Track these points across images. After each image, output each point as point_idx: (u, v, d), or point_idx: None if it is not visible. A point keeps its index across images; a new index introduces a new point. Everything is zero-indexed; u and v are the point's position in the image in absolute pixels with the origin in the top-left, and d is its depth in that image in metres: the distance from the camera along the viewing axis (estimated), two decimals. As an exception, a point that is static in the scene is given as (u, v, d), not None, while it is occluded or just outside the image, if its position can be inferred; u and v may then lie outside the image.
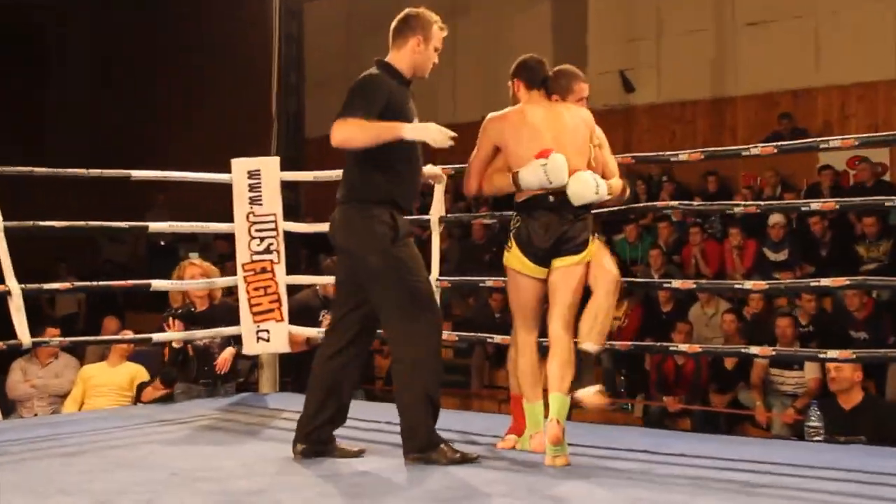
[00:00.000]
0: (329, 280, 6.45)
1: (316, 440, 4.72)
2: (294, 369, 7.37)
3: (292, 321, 6.71)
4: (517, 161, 4.67)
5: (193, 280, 6.87)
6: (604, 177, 4.81)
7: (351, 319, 4.70)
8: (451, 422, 5.25)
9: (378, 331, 4.81)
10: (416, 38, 4.60)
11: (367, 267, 4.52)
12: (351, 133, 4.38)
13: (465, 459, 4.52)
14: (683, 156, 5.46)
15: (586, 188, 4.63)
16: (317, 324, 6.86)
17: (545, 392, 4.68)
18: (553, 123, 4.72)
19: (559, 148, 4.60)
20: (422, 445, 4.51)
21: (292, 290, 6.90)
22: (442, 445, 4.53)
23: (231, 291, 7.18)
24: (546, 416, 4.60)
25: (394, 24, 4.67)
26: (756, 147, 5.49)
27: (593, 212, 4.84)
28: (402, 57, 4.63)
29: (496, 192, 4.98)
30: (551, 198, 4.62)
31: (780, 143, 5.43)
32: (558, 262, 4.66)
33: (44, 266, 13.07)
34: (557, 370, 4.59)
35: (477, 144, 4.83)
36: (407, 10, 4.68)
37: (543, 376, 4.71)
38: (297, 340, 6.88)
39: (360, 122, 4.36)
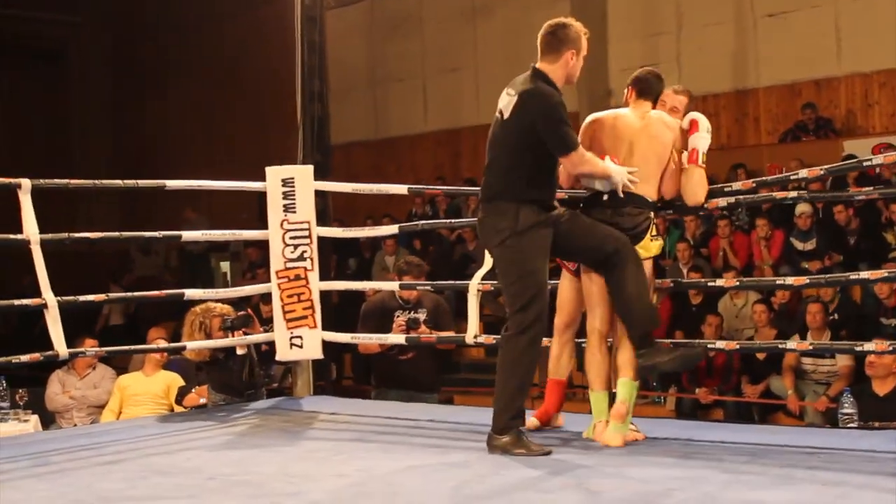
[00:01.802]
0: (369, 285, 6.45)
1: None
2: (362, 369, 7.36)
3: (370, 322, 6.84)
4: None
5: (217, 304, 6.82)
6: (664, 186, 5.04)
7: None
8: (476, 417, 5.29)
9: None
10: (571, 52, 4.73)
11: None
12: (588, 168, 4.78)
13: (544, 452, 4.59)
14: (804, 172, 5.22)
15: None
16: (390, 326, 6.85)
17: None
18: (636, 131, 4.93)
19: (630, 153, 4.88)
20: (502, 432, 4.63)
21: (325, 296, 6.88)
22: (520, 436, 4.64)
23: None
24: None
25: (544, 35, 4.78)
26: (804, 172, 5.25)
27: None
28: (556, 70, 4.73)
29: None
30: (605, 196, 4.87)
31: (829, 167, 5.21)
32: None
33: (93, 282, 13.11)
34: (627, 358, 4.83)
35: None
36: (557, 22, 4.79)
37: (610, 367, 4.91)
38: (368, 344, 6.92)
39: (591, 158, 4.76)
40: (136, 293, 10.68)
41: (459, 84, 15.08)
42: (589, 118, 5.09)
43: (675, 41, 13.96)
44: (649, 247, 4.90)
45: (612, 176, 4.80)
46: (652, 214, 4.92)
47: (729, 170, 12.13)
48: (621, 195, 4.84)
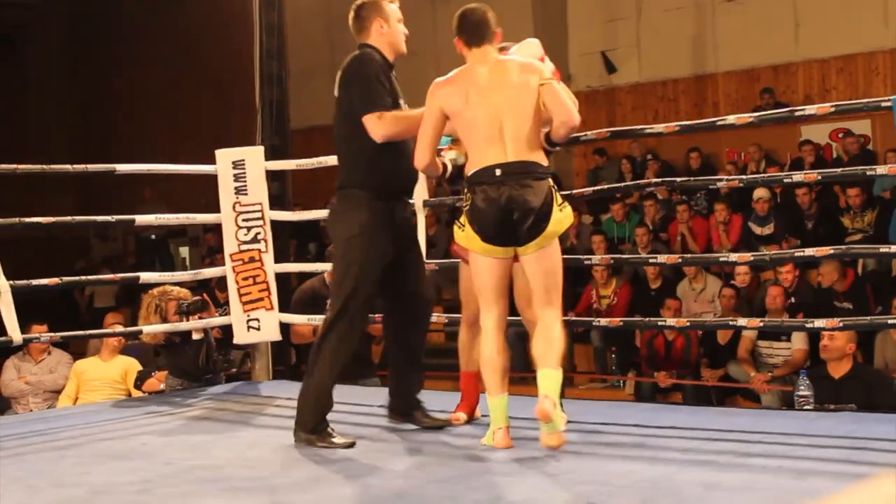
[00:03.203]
0: (325, 267, 6.40)
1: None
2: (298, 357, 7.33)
3: (300, 310, 6.69)
4: (465, 128, 4.34)
5: (175, 287, 6.77)
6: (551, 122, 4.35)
7: None
8: (446, 402, 5.27)
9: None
10: (378, 21, 4.64)
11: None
12: (394, 128, 4.52)
13: (347, 445, 4.54)
14: (660, 128, 5.41)
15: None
16: (324, 312, 6.81)
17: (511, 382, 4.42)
18: (499, 81, 4.30)
19: (502, 112, 4.22)
20: (308, 428, 4.61)
21: (283, 279, 6.86)
22: (327, 430, 4.60)
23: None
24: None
25: (350, 20, 4.72)
26: (732, 117, 5.47)
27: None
28: (375, 41, 4.66)
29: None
30: (497, 171, 4.21)
31: (757, 114, 5.41)
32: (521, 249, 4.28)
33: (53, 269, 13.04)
34: (543, 346, 4.23)
35: (425, 113, 4.44)
36: (356, 4, 4.71)
37: (508, 367, 4.38)
38: (303, 332, 6.86)
39: (396, 115, 4.52)
40: (92, 276, 10.59)
41: (419, 69, 15.03)
42: (436, 81, 4.48)
43: (635, 26, 14.02)
44: (562, 219, 4.26)
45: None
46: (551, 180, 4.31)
47: (683, 155, 12.23)
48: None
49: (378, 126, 4.50)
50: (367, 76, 4.55)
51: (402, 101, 4.69)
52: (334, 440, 4.55)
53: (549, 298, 4.29)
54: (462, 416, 5.04)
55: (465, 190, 4.27)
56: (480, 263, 4.32)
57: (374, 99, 4.51)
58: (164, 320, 6.56)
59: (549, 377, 4.15)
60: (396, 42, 4.70)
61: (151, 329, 6.60)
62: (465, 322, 5.06)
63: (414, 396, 5.01)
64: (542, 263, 4.27)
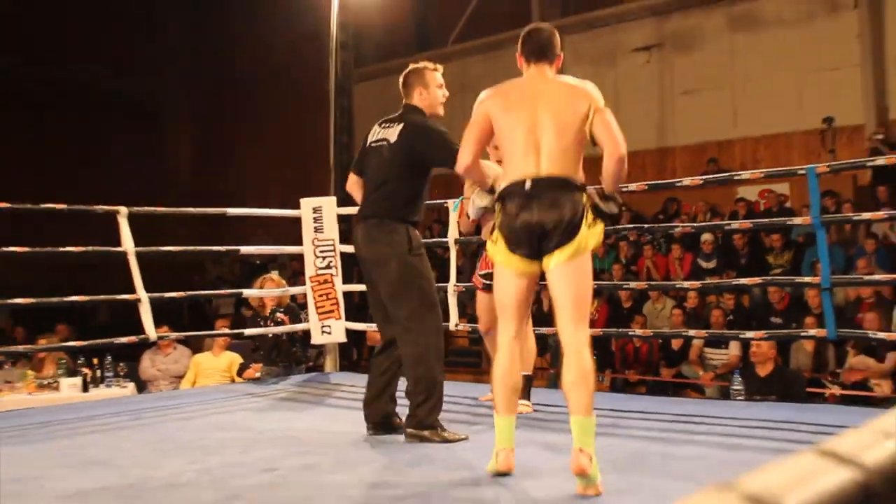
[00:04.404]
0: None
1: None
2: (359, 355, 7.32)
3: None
4: (504, 138, 3.34)
5: (271, 289, 6.85)
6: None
7: None
8: (466, 390, 5.28)
9: None
10: (418, 89, 4.26)
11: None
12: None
13: (457, 439, 4.03)
14: (632, 187, 5.36)
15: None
16: None
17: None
18: (546, 98, 3.31)
19: (541, 127, 3.25)
20: (419, 424, 4.03)
21: (348, 296, 6.88)
22: (438, 428, 4.05)
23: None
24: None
25: (400, 83, 4.33)
26: (686, 179, 5.52)
27: None
28: (417, 103, 4.28)
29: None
30: (527, 184, 3.21)
31: (704, 178, 5.44)
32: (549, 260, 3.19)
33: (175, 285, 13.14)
34: (576, 382, 3.06)
35: (472, 116, 3.45)
36: (406, 70, 4.33)
37: (520, 385, 3.38)
38: (374, 337, 6.89)
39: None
40: (208, 291, 10.70)
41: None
42: (484, 91, 3.47)
43: (613, 111, 13.98)
44: (589, 235, 3.19)
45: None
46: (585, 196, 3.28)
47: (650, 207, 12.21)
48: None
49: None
50: (431, 129, 4.13)
51: None
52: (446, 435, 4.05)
53: (576, 316, 3.15)
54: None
55: (497, 202, 3.33)
56: (505, 278, 3.29)
57: (447, 149, 3.92)
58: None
59: (584, 429, 3.03)
60: (434, 105, 4.27)
61: (251, 332, 6.65)
62: (483, 335, 5.06)
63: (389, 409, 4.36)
64: (569, 277, 3.14)
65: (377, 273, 4.17)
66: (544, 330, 5.36)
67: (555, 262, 3.15)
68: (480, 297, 4.95)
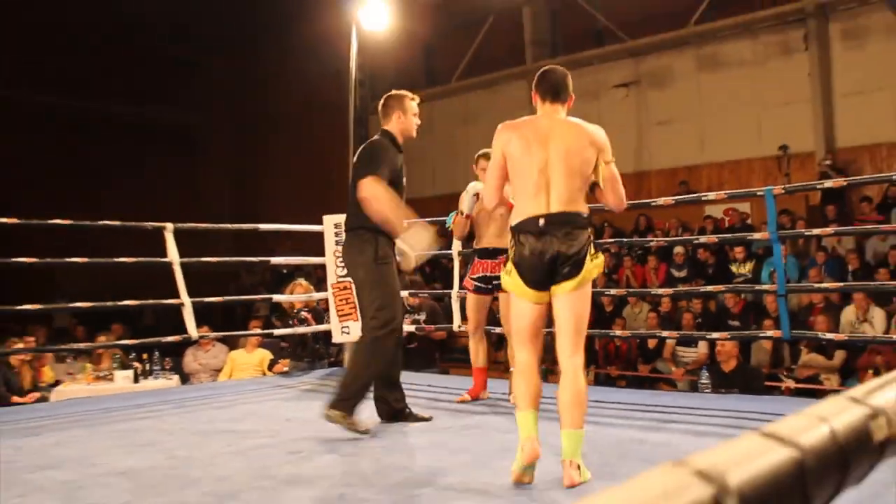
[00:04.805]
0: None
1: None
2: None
3: None
4: (517, 174, 3.13)
5: (300, 294, 6.90)
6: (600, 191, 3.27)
7: None
8: (461, 384, 5.28)
9: None
10: (398, 113, 4.14)
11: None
12: (379, 195, 3.81)
13: (363, 430, 3.92)
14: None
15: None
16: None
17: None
18: (559, 138, 3.11)
19: (552, 167, 3.07)
20: (345, 408, 3.90)
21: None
22: (355, 417, 3.94)
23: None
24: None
25: (379, 107, 4.20)
26: (660, 199, 5.53)
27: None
28: (392, 127, 4.15)
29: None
30: (541, 221, 3.05)
31: (676, 198, 5.46)
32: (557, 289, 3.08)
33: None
34: (571, 400, 3.01)
35: (492, 156, 3.23)
36: (387, 95, 4.22)
37: (541, 393, 3.13)
38: None
39: (389, 193, 3.83)
40: (242, 297, 10.71)
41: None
42: (502, 124, 3.24)
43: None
44: (591, 268, 3.08)
45: (407, 251, 3.79)
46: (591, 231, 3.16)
47: (630, 223, 12.22)
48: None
49: (366, 186, 3.83)
50: (377, 151, 4.03)
51: (403, 180, 4.14)
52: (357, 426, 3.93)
53: (575, 341, 3.09)
54: (468, 396, 4.97)
55: (511, 237, 3.14)
56: (520, 307, 3.14)
57: (372, 167, 3.91)
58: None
59: (573, 440, 2.98)
60: (409, 129, 4.15)
61: (280, 332, 6.67)
62: (470, 333, 5.01)
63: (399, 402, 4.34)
64: (572, 305, 3.07)
65: (352, 277, 4.17)
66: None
67: (561, 291, 3.05)
68: (471, 298, 4.94)
